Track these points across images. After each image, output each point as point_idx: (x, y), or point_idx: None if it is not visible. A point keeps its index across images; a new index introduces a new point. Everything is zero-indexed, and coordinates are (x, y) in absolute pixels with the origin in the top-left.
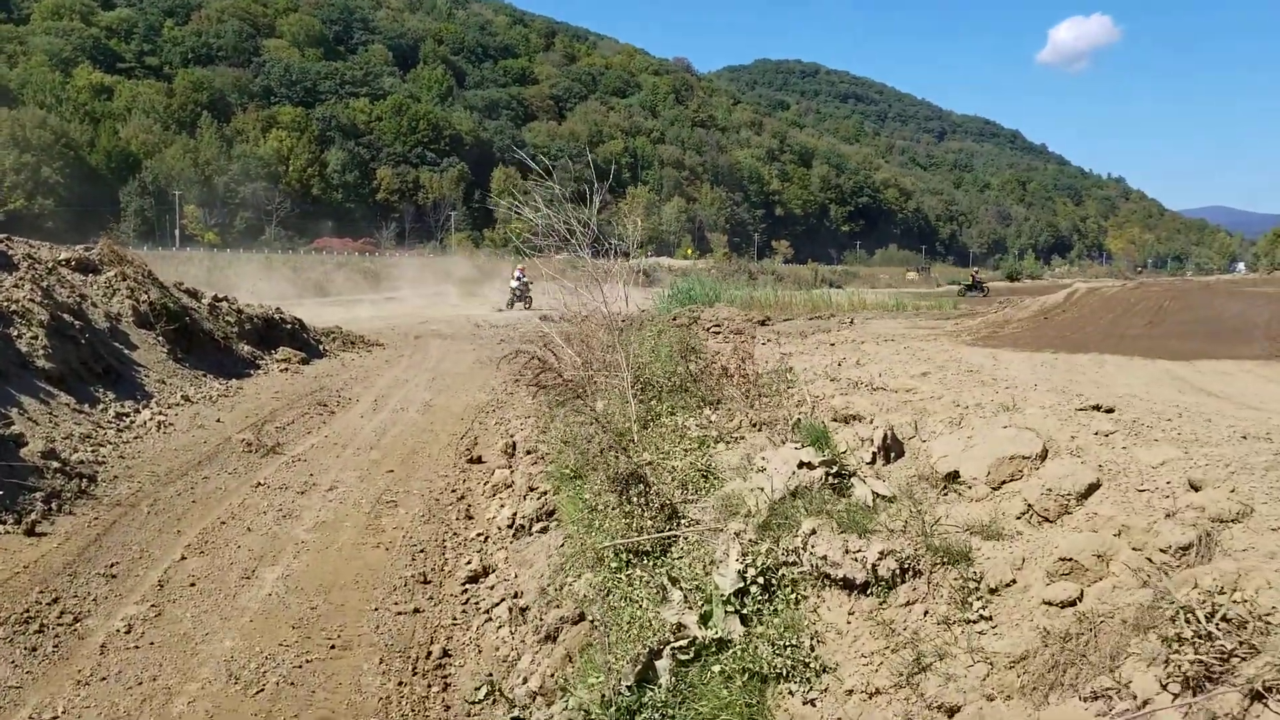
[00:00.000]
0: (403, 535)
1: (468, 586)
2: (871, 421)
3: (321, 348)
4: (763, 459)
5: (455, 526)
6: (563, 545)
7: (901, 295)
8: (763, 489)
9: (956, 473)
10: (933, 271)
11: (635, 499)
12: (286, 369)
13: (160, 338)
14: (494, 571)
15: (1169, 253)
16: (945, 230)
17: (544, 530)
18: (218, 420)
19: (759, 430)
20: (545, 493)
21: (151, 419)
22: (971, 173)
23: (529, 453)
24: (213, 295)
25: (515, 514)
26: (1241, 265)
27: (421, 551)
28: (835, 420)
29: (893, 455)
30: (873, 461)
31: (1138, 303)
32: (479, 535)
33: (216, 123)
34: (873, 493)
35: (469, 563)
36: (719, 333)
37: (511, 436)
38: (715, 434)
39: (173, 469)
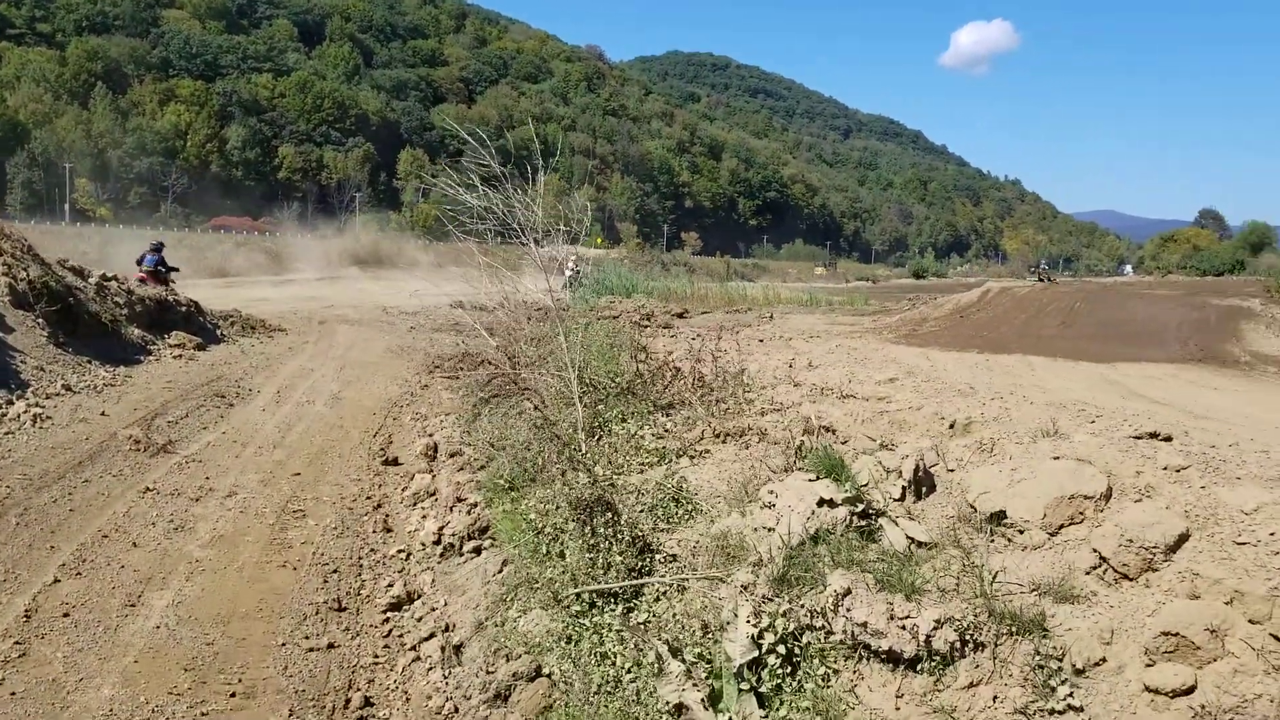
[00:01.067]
0: (313, 551)
1: (390, 615)
2: (839, 434)
3: (219, 332)
4: (770, 493)
5: (372, 541)
6: (501, 572)
7: (814, 290)
8: (770, 529)
9: (1003, 513)
10: (839, 267)
11: (601, 529)
12: (181, 355)
13: (40, 320)
14: (420, 597)
15: (1061, 254)
16: (850, 227)
17: (477, 551)
18: (102, 413)
19: (723, 442)
20: (476, 505)
21: (26, 412)
22: (875, 171)
23: (453, 456)
24: (100, 274)
25: (442, 529)
26: (1129, 268)
27: (335, 572)
28: (808, 433)
29: (924, 490)
30: (902, 497)
31: (1049, 303)
32: (400, 552)
33: (111, 94)
34: (908, 538)
35: (390, 586)
36: (647, 326)
37: (431, 436)
38: (676, 446)
39: (48, 471)
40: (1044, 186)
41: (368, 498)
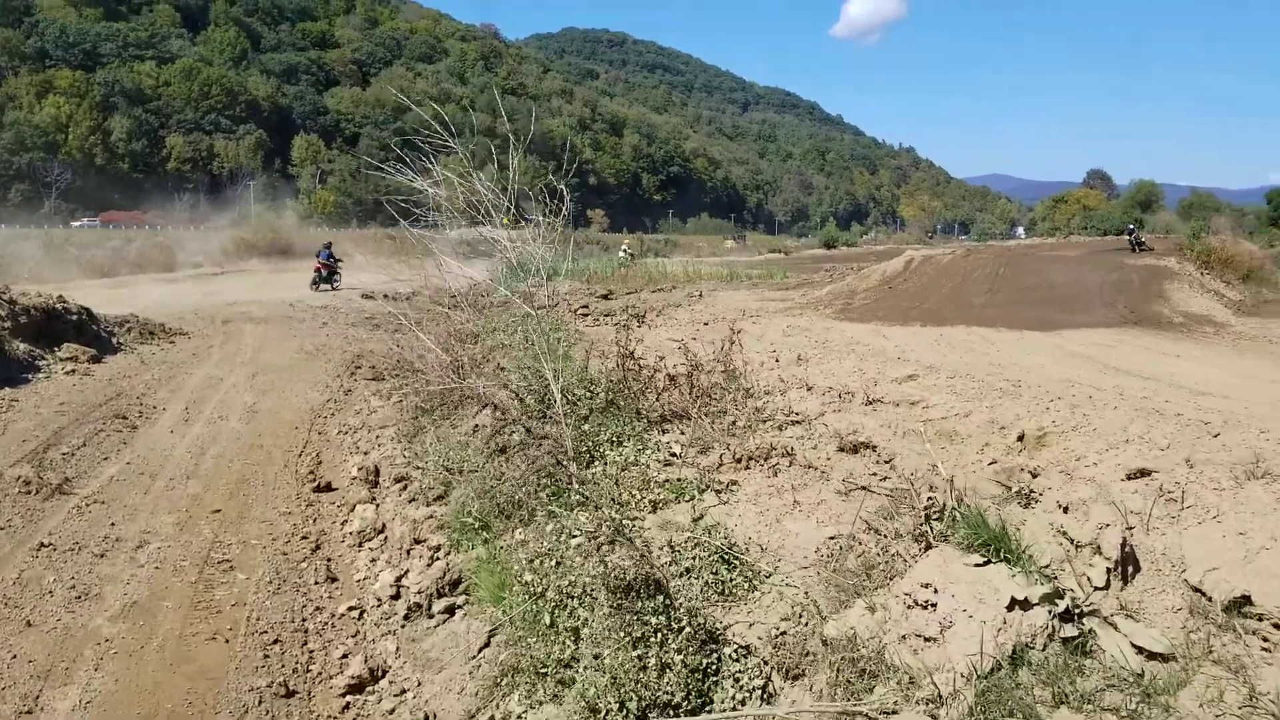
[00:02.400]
0: (246, 616)
1: (350, 700)
2: (882, 452)
3: (115, 341)
4: (925, 587)
5: (316, 596)
6: (489, 645)
7: (732, 265)
8: (931, 639)
9: (1246, 598)
10: (748, 240)
11: (649, 614)
12: (74, 370)
13: None
14: (386, 674)
15: (956, 218)
16: (753, 199)
17: (450, 611)
18: None
19: (746, 467)
20: (440, 548)
21: None
22: (775, 143)
23: (398, 481)
24: None
25: (400, 580)
26: (1021, 230)
27: (276, 642)
28: (842, 450)
29: (1129, 569)
30: (1106, 584)
31: (973, 270)
32: (352, 610)
33: None
34: (1136, 648)
35: (346, 658)
36: (587, 315)
37: (367, 455)
38: (693, 476)
39: None
40: (937, 153)
41: (303, 537)
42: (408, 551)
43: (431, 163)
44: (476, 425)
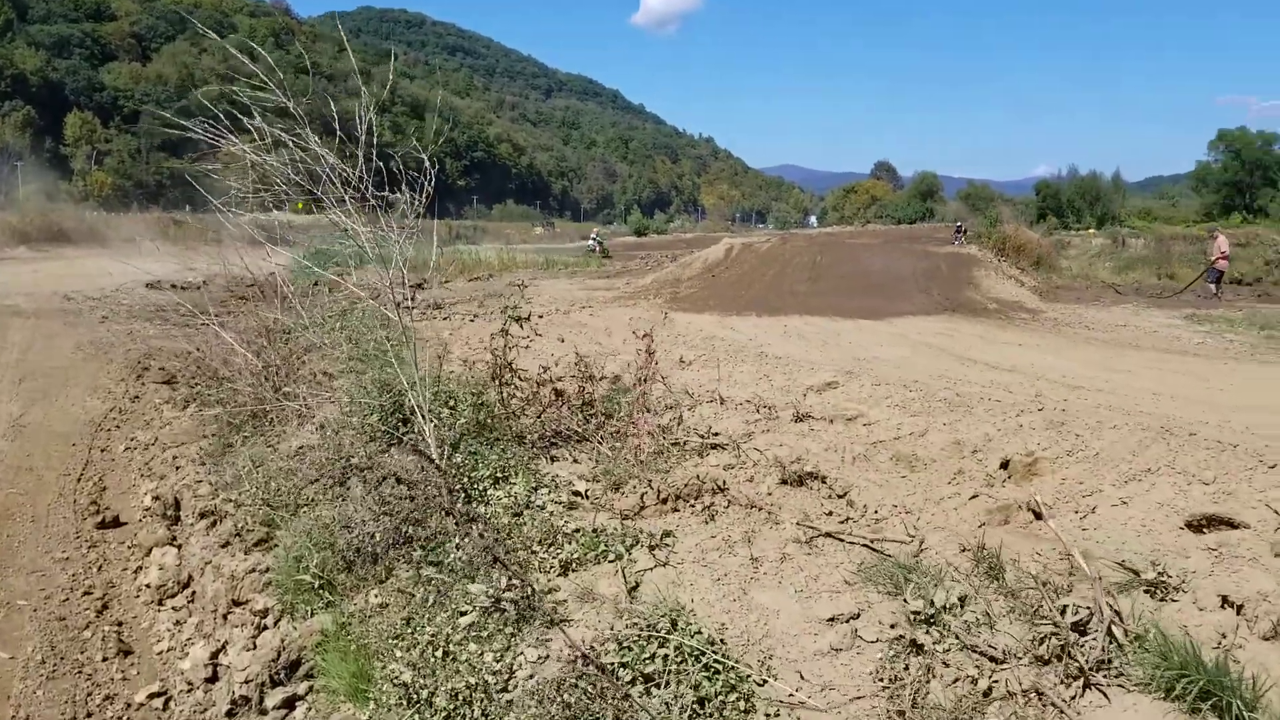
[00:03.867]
0: (12, 716)
1: None
2: (834, 484)
3: None
4: None
5: (105, 679)
6: None
7: (546, 252)
8: None
9: None
10: (557, 227)
11: None
12: None
13: None
14: None
15: (753, 207)
16: (558, 185)
17: (289, 705)
18: None
19: (673, 509)
20: (268, 614)
21: None
22: (579, 130)
23: (205, 516)
24: None
25: (218, 656)
26: (814, 218)
27: None
28: (786, 482)
29: None
30: None
31: (792, 258)
32: (154, 698)
33: None
34: None
35: None
36: (412, 308)
37: (163, 480)
38: (615, 528)
39: None
40: (734, 143)
41: (86, 592)
42: (225, 616)
43: (233, 140)
44: (301, 446)
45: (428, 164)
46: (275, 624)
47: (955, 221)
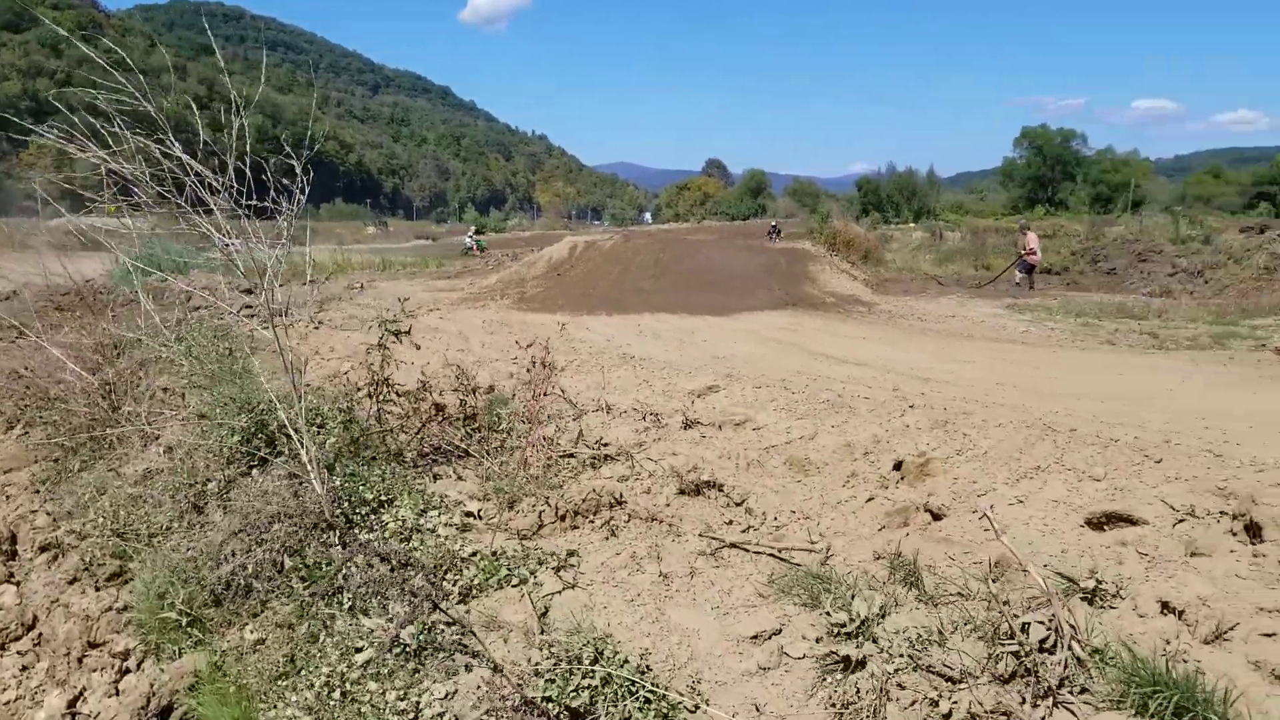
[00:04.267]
0: None
1: None
2: (731, 492)
3: None
4: None
5: None
6: None
7: (383, 253)
8: None
9: None
10: (390, 226)
11: None
12: None
13: None
14: None
15: (589, 204)
16: (388, 184)
17: None
18: None
19: (573, 526)
20: (130, 655)
21: None
22: (409, 127)
23: (45, 550)
24: None
25: (76, 705)
26: (648, 215)
27: None
28: (684, 493)
29: None
30: None
31: (634, 256)
32: None
33: None
34: None
35: None
36: (250, 315)
37: None
38: (515, 549)
39: None
40: (569, 141)
41: None
42: (80, 660)
43: (17, 148)
44: (149, 470)
45: (299, 170)
46: (139, 666)
47: (771, 221)
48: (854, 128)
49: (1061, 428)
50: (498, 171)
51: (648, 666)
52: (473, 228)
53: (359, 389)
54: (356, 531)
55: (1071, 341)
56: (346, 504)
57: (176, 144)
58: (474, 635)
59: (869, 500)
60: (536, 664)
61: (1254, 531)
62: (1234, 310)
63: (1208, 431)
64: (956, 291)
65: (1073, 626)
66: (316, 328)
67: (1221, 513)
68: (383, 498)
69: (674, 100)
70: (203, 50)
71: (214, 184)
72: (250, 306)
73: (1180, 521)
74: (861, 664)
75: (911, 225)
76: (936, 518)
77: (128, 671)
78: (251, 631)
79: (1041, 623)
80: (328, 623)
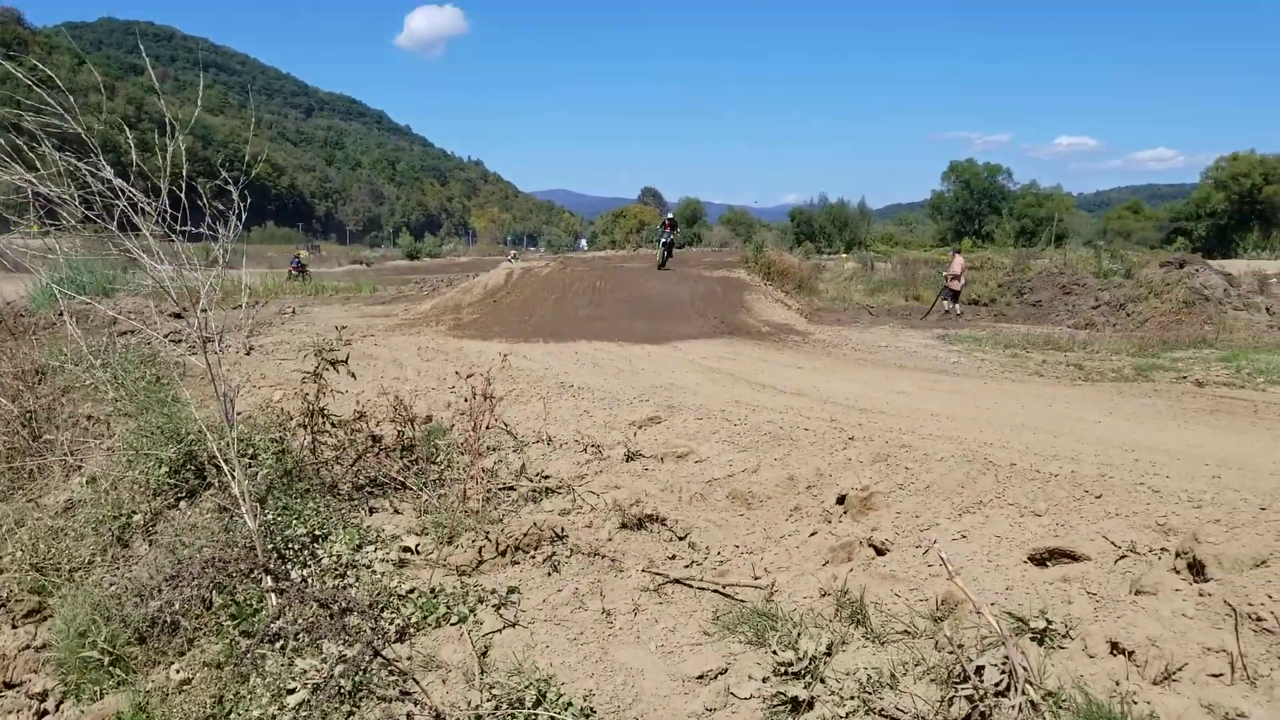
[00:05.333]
0: None
1: None
2: (675, 526)
3: None
4: None
5: None
6: None
7: (317, 278)
8: None
9: None
10: (323, 250)
11: None
12: None
13: None
14: None
15: (525, 230)
16: (322, 207)
17: None
18: None
19: (515, 562)
20: (48, 695)
21: None
22: (343, 150)
23: None
24: None
25: None
26: (584, 242)
27: None
28: (626, 527)
29: None
30: None
31: (572, 283)
32: None
33: None
34: None
35: None
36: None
37: None
38: (454, 586)
39: None
40: (505, 167)
41: None
42: None
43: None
44: (71, 501)
45: (236, 194)
46: (58, 708)
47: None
48: (787, 159)
49: (1001, 462)
50: (433, 196)
51: (592, 709)
52: (300, 250)
53: (291, 418)
54: (289, 568)
55: (1001, 372)
56: (279, 538)
57: (107, 165)
58: (415, 682)
59: (812, 534)
60: (477, 707)
61: (1197, 569)
62: (1155, 343)
63: (1138, 464)
64: (888, 322)
65: (1026, 669)
66: (248, 353)
67: (1163, 549)
68: (317, 532)
69: (611, 128)
70: (131, 69)
71: (145, 207)
72: (179, 331)
73: (1122, 558)
74: (810, 705)
75: (844, 255)
76: (880, 552)
77: (46, 714)
78: (177, 671)
79: (995, 665)
80: (258, 662)
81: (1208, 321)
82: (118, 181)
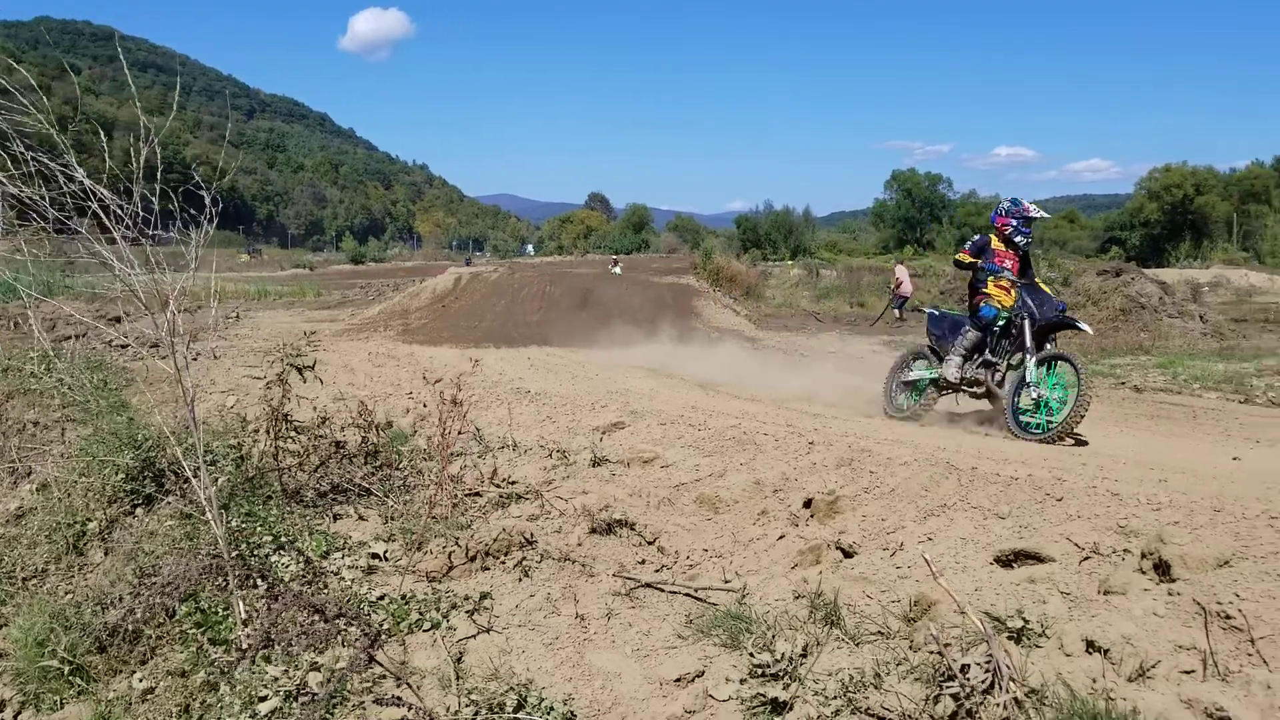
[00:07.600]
0: None
1: None
2: (643, 530)
3: None
4: None
5: None
6: None
7: (257, 281)
8: None
9: None
10: (265, 254)
11: None
12: None
13: None
14: None
15: (470, 235)
16: (263, 210)
17: None
18: None
19: (484, 567)
20: (6, 705)
21: None
22: (285, 153)
23: None
24: None
25: None
26: (530, 248)
27: None
28: (595, 532)
29: None
30: None
31: (521, 288)
32: None
33: None
34: None
35: None
36: (127, 346)
37: None
38: (425, 593)
39: None
40: (450, 171)
41: None
42: None
43: None
44: (22, 509)
45: (209, 198)
46: (15, 717)
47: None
48: (732, 166)
49: (963, 466)
50: (377, 200)
51: (573, 713)
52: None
53: (248, 424)
54: (254, 575)
55: None
56: (244, 545)
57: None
58: (407, 685)
59: (780, 538)
60: (455, 713)
61: (1163, 570)
62: (1094, 349)
63: (1086, 469)
64: (834, 328)
65: (1009, 666)
66: (195, 359)
67: (1125, 550)
68: (282, 539)
69: (557, 133)
70: (67, 69)
71: (117, 210)
72: (127, 335)
73: (1086, 559)
74: (790, 706)
75: (789, 263)
76: (848, 555)
77: None
78: (141, 680)
79: (979, 664)
80: (226, 669)
81: (1144, 329)
82: (89, 183)
